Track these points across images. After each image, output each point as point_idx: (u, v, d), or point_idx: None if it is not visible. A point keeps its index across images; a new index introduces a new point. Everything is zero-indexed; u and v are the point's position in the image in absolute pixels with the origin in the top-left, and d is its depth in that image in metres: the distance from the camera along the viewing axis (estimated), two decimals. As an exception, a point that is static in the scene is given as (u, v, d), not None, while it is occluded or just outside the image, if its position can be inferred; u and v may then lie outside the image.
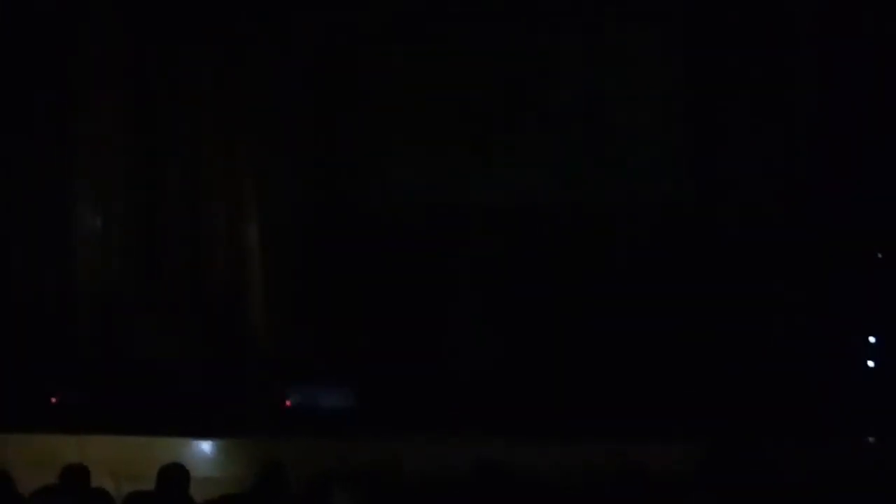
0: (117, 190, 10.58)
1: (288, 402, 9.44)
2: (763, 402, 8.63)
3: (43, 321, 10.28)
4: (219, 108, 10.56)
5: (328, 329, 10.25)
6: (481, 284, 10.20)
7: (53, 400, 9.49)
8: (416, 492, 5.17)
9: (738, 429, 7.61)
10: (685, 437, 7.60)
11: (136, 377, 9.72)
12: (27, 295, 10.40)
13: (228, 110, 10.55)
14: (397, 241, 10.36)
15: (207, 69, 10.53)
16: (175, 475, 5.76)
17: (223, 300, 10.47)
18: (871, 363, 9.44)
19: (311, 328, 10.31)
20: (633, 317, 9.74)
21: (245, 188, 10.56)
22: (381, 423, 8.88)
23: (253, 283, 10.47)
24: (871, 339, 9.49)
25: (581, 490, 5.12)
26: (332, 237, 10.49)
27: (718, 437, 6.68)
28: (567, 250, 10.08)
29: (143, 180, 10.60)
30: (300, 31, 10.47)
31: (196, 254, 10.53)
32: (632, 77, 10.10)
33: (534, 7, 10.19)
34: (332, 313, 10.33)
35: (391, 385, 9.39)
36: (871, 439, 8.31)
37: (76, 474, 5.84)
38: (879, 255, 9.63)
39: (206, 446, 8.46)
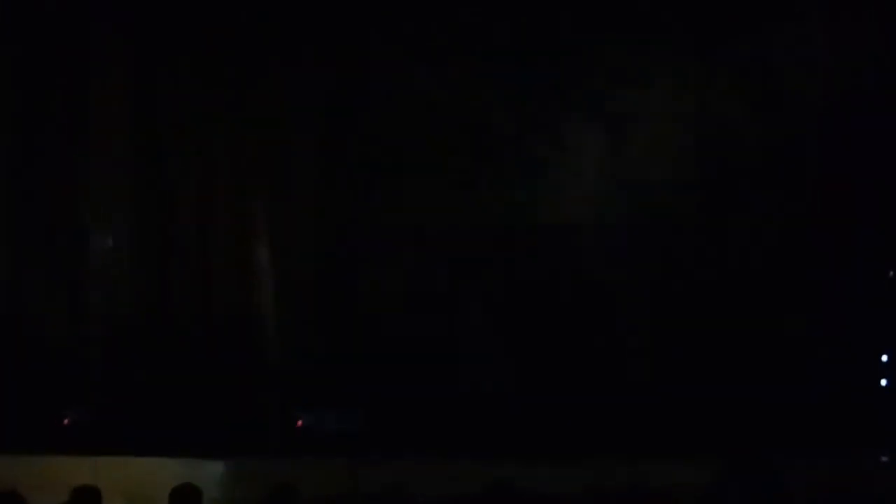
0: (129, 211, 10.61)
1: (299, 423, 9.44)
2: (775, 421, 8.61)
3: (55, 342, 10.31)
4: (229, 127, 10.59)
5: (339, 350, 10.25)
6: (491, 305, 10.18)
7: (66, 421, 9.51)
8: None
9: (752, 448, 7.59)
10: (698, 456, 7.57)
11: (148, 398, 9.73)
12: (39, 316, 10.42)
13: (238, 129, 10.57)
14: (408, 263, 10.36)
15: (218, 91, 10.58)
16: (187, 496, 5.76)
17: (234, 321, 10.47)
18: (885, 381, 9.39)
19: (322, 349, 10.31)
20: (643, 336, 9.72)
21: (255, 210, 10.58)
22: (391, 444, 8.88)
23: (264, 304, 10.47)
24: (884, 358, 9.45)
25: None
26: (342, 259, 10.50)
27: (731, 457, 6.66)
28: (576, 271, 10.07)
29: (154, 201, 10.63)
30: (310, 50, 10.50)
31: (207, 275, 10.55)
32: (641, 95, 10.10)
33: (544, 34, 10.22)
34: (342, 334, 10.33)
35: (401, 406, 9.39)
36: (884, 458, 8.28)
37: (87, 496, 5.84)
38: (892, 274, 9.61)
39: (217, 467, 8.47)
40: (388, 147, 10.49)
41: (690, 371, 9.47)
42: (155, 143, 10.61)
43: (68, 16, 10.43)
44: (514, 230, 10.27)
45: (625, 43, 10.13)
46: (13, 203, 10.44)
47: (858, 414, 8.78)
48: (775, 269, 9.73)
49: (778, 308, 9.68)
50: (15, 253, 10.48)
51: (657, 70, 10.04)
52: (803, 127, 9.73)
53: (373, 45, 10.47)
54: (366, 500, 5.05)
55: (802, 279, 9.66)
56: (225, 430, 9.29)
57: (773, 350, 9.55)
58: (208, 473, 8.35)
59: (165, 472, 7.87)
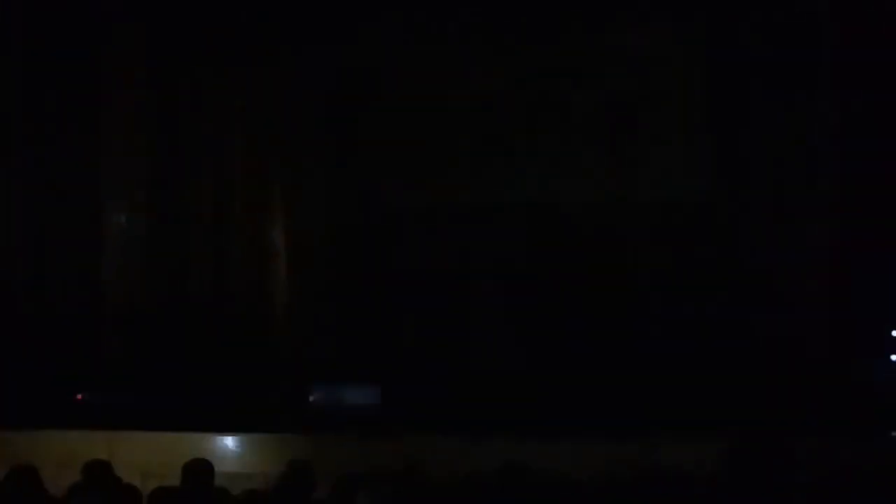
0: (142, 191, 10.63)
1: (312, 399, 9.48)
2: (786, 399, 8.61)
3: (69, 319, 10.36)
4: (244, 113, 10.59)
5: (353, 326, 10.28)
6: (505, 283, 10.19)
7: (79, 397, 9.55)
8: (439, 491, 5.18)
9: (763, 426, 7.58)
10: (710, 435, 7.57)
11: (162, 374, 9.77)
12: (54, 293, 10.47)
13: (253, 116, 10.58)
14: (422, 240, 10.37)
15: (232, 80, 10.58)
16: (200, 471, 5.79)
17: (248, 298, 10.52)
18: (894, 357, 9.39)
19: (336, 325, 10.34)
20: (658, 314, 9.72)
21: (269, 189, 10.59)
22: (404, 421, 8.90)
23: (278, 280, 10.50)
24: (895, 334, 9.45)
25: (605, 489, 5.11)
26: (356, 236, 10.51)
27: (744, 435, 6.66)
28: (592, 250, 10.06)
29: (168, 182, 10.65)
30: (323, 38, 10.47)
31: (222, 252, 10.58)
32: (654, 79, 10.06)
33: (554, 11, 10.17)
34: (357, 310, 10.35)
35: (415, 384, 9.41)
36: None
37: (100, 471, 5.87)
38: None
39: (231, 442, 8.50)
40: (401, 127, 10.49)
41: (703, 349, 9.48)
42: (170, 125, 10.62)
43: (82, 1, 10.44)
44: (528, 207, 10.27)
45: (634, 22, 10.10)
46: (30, 182, 10.47)
47: (870, 391, 8.78)
48: (782, 247, 9.72)
49: (788, 285, 9.68)
50: (31, 231, 10.52)
51: (666, 50, 10.02)
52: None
53: (384, 26, 10.46)
54: (379, 477, 5.06)
55: (811, 255, 9.66)
56: (238, 405, 9.33)
57: (784, 328, 9.56)
58: (221, 449, 8.39)
59: (179, 447, 7.90)
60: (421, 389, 9.33)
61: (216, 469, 5.92)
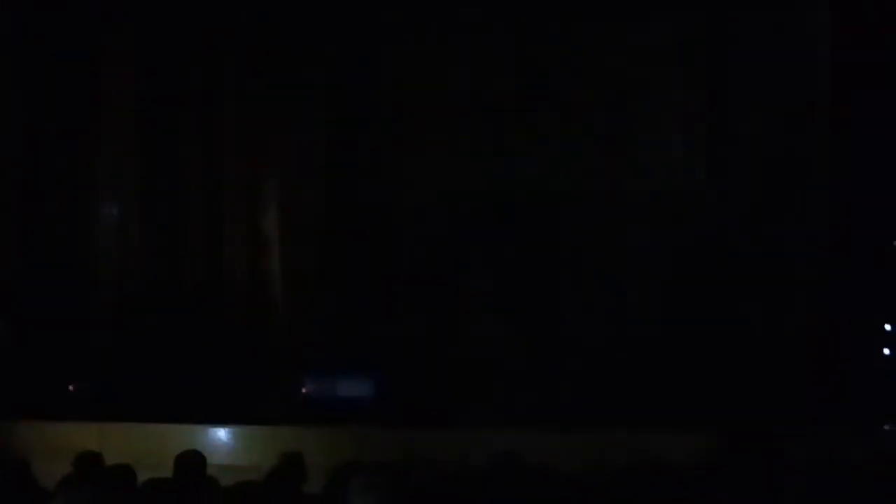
0: (134, 182, 10.62)
1: (304, 391, 9.48)
2: (776, 391, 8.63)
3: (61, 310, 10.34)
4: (237, 103, 10.58)
5: (346, 318, 10.29)
6: (499, 275, 10.19)
7: (71, 388, 9.55)
8: (432, 482, 5.18)
9: (752, 418, 7.62)
10: (700, 426, 7.60)
11: (154, 365, 9.77)
12: (45, 284, 10.45)
13: (247, 106, 10.56)
14: (414, 232, 10.37)
15: (227, 71, 10.56)
16: (192, 462, 5.79)
17: (241, 289, 10.51)
18: (886, 351, 9.42)
19: (329, 317, 10.34)
20: (649, 306, 9.74)
21: (262, 179, 10.58)
22: (397, 412, 8.91)
23: (271, 271, 10.50)
24: (887, 327, 9.47)
25: (597, 480, 5.12)
26: (350, 227, 10.51)
27: (733, 427, 6.69)
28: (585, 241, 10.07)
29: (160, 172, 10.64)
30: (318, 28, 10.46)
31: (214, 243, 10.57)
32: (649, 69, 10.06)
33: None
34: (349, 302, 10.36)
35: (408, 375, 9.42)
36: (886, 427, 8.30)
37: (90, 462, 5.87)
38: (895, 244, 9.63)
39: (223, 434, 8.50)
40: (397, 119, 10.48)
41: (695, 340, 9.50)
42: (162, 115, 10.60)
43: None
44: (522, 198, 10.27)
45: (631, 15, 10.11)
46: (22, 172, 10.46)
47: (860, 383, 8.80)
48: (775, 238, 9.74)
49: (780, 276, 9.69)
50: (22, 224, 10.50)
51: (664, 42, 10.02)
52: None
53: (382, 19, 10.45)
54: (372, 468, 5.06)
55: (804, 247, 9.68)
56: (231, 396, 9.33)
57: (776, 319, 9.58)
58: (213, 440, 8.39)
59: (170, 438, 7.91)
60: (414, 381, 9.34)
61: (208, 461, 5.92)
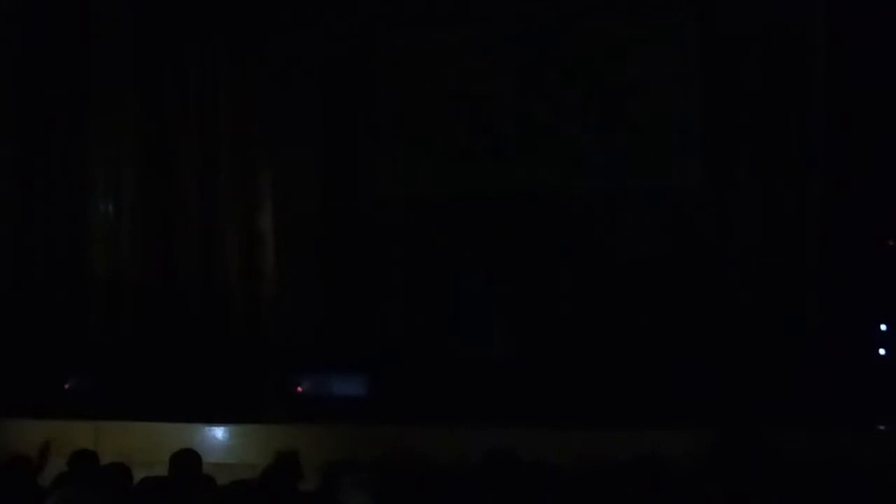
0: (130, 177, 10.61)
1: (299, 389, 9.47)
2: (773, 389, 8.64)
3: (56, 307, 10.33)
4: (232, 98, 10.57)
5: (341, 316, 10.29)
6: (494, 273, 10.19)
7: (66, 386, 9.54)
8: (427, 479, 5.19)
9: (748, 417, 7.62)
10: (697, 425, 7.61)
11: (149, 363, 9.76)
12: (42, 280, 10.44)
13: (242, 101, 10.56)
14: (410, 230, 10.37)
15: (221, 64, 10.56)
16: (187, 461, 5.79)
17: (236, 286, 10.50)
18: (882, 351, 9.42)
19: (324, 315, 10.34)
20: (645, 305, 9.74)
21: (259, 175, 10.57)
22: (391, 410, 8.91)
23: (267, 268, 10.49)
24: (883, 327, 9.48)
25: (592, 478, 5.13)
26: (347, 224, 10.51)
27: (728, 426, 6.69)
28: (581, 239, 10.07)
29: (156, 167, 10.63)
30: (313, 22, 10.45)
31: (209, 240, 10.56)
32: (644, 65, 10.05)
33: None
34: (345, 300, 10.35)
35: (403, 373, 9.42)
36: (881, 427, 8.30)
37: (86, 460, 5.87)
38: (891, 243, 9.63)
39: (218, 432, 8.49)
40: (391, 116, 10.48)
41: (689, 340, 9.50)
42: (156, 108, 10.60)
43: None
44: (518, 196, 10.27)
45: (627, 10, 10.11)
46: (16, 166, 10.44)
47: (854, 382, 8.81)
48: (772, 236, 9.75)
49: (775, 279, 9.70)
50: (18, 218, 10.48)
51: (657, 39, 10.02)
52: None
53: (374, 14, 10.44)
54: (367, 466, 5.06)
55: (801, 245, 9.69)
56: (226, 395, 9.33)
57: (774, 317, 9.59)
58: (208, 439, 8.38)
59: (166, 437, 7.90)
60: (408, 379, 9.34)
61: (203, 459, 5.93)
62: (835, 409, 8.19)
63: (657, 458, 5.53)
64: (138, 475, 5.61)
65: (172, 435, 7.97)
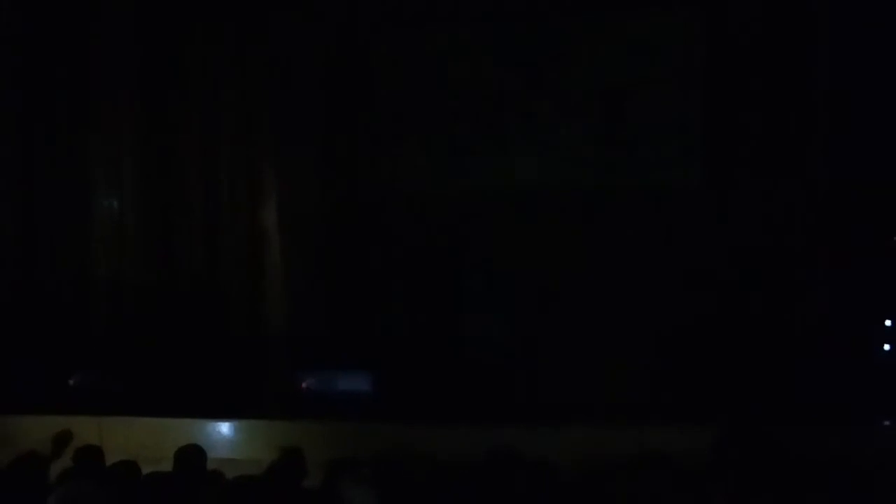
0: (133, 173, 10.62)
1: (304, 385, 9.49)
2: (774, 387, 8.65)
3: (60, 302, 10.35)
4: (235, 93, 10.58)
5: (344, 312, 10.30)
6: (497, 269, 10.20)
7: (71, 382, 9.56)
8: (430, 477, 5.21)
9: (751, 414, 7.63)
10: (699, 423, 7.62)
11: (152, 360, 9.78)
12: (45, 277, 10.46)
13: (245, 95, 10.56)
14: (415, 226, 10.38)
15: (223, 59, 10.56)
16: (192, 456, 5.81)
17: (240, 282, 10.52)
18: (885, 347, 9.43)
19: (328, 311, 10.35)
20: (648, 301, 9.74)
21: (262, 172, 10.59)
22: (394, 407, 8.92)
23: (270, 265, 10.51)
24: (888, 323, 9.48)
25: (595, 476, 5.15)
26: (349, 221, 10.52)
27: (730, 423, 6.70)
28: (579, 237, 10.07)
29: (159, 164, 10.64)
30: (315, 18, 10.46)
31: (213, 236, 10.58)
32: (647, 61, 10.05)
33: None
34: (348, 296, 10.37)
35: (406, 369, 9.44)
36: (885, 423, 8.32)
37: (91, 455, 5.89)
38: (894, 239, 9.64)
39: (223, 428, 8.52)
40: (394, 110, 10.49)
41: (691, 336, 9.51)
42: (158, 105, 10.60)
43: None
44: (520, 192, 10.28)
45: (630, 6, 10.11)
46: (20, 165, 10.46)
47: (857, 378, 8.82)
48: (773, 234, 9.75)
49: (778, 274, 9.70)
50: (19, 214, 10.50)
51: (660, 37, 10.03)
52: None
53: (377, 7, 10.45)
54: (371, 463, 5.08)
55: (803, 243, 9.70)
56: (230, 391, 9.35)
57: (775, 315, 9.59)
58: (213, 435, 8.40)
59: (170, 432, 7.92)
60: (411, 376, 9.36)
61: (208, 455, 5.95)
62: (836, 406, 8.20)
63: (658, 457, 5.54)
64: (143, 471, 5.63)
65: (177, 430, 7.99)
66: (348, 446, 6.98)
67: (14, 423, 8.63)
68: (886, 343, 9.41)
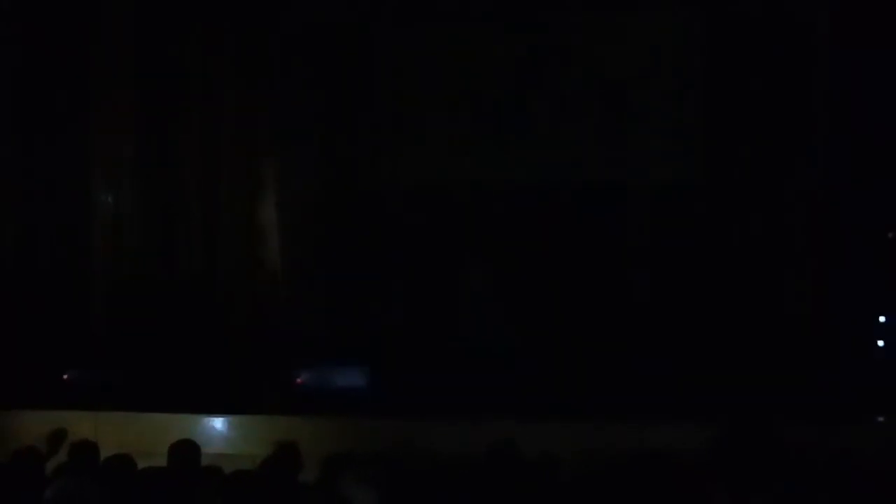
0: (131, 170, 10.59)
1: (299, 380, 9.47)
2: (776, 383, 8.64)
3: (57, 298, 10.31)
4: (232, 90, 10.54)
5: (341, 307, 10.27)
6: (495, 264, 10.18)
7: (66, 377, 9.53)
8: (428, 472, 5.17)
9: (753, 409, 7.60)
10: (700, 417, 7.60)
11: (149, 354, 9.75)
12: (44, 274, 10.43)
13: (242, 92, 10.53)
14: (411, 220, 10.35)
15: (221, 56, 10.53)
16: (186, 452, 5.77)
17: (236, 278, 10.49)
18: (882, 343, 9.43)
19: (325, 306, 10.33)
20: (650, 296, 9.73)
21: (259, 168, 10.56)
22: (392, 403, 8.90)
23: (266, 260, 10.48)
24: (882, 319, 9.48)
25: (595, 471, 5.11)
26: (346, 216, 10.49)
27: (732, 419, 6.67)
28: (582, 231, 10.05)
29: (157, 160, 10.61)
30: (315, 18, 10.43)
31: (210, 233, 10.54)
32: (645, 60, 10.03)
33: None
34: (345, 292, 10.34)
35: (403, 364, 9.41)
36: (881, 419, 8.31)
37: (86, 451, 5.85)
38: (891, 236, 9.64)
39: (217, 423, 8.49)
40: (392, 106, 10.46)
41: (694, 332, 9.50)
42: (157, 103, 10.57)
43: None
44: (518, 187, 10.26)
45: (629, 3, 10.09)
46: (19, 164, 10.42)
47: (855, 376, 8.81)
48: (771, 230, 9.74)
49: (776, 268, 9.69)
50: (18, 211, 10.46)
51: (661, 33, 10.01)
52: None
53: (378, 7, 10.42)
54: (366, 458, 5.04)
55: (800, 239, 9.68)
56: (226, 386, 9.33)
57: (772, 311, 9.58)
58: (208, 430, 8.38)
59: (165, 428, 7.89)
60: (409, 370, 9.33)
61: (203, 450, 5.90)
62: (837, 402, 8.19)
63: (660, 453, 5.50)
64: (137, 466, 5.59)
65: (172, 426, 7.97)
66: (344, 442, 6.95)
67: (9, 418, 8.60)
68: (885, 339, 9.42)
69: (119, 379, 9.35)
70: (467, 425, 7.76)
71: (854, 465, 5.34)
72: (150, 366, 9.57)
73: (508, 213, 10.21)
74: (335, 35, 10.46)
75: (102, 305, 10.45)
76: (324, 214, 10.53)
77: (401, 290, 10.31)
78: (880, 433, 8.12)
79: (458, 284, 10.27)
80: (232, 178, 10.56)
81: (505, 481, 5.12)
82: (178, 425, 8.02)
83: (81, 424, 7.84)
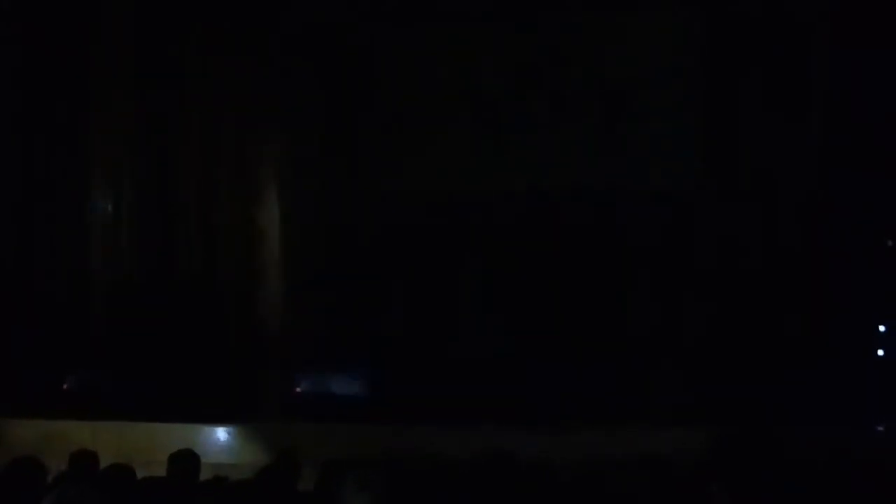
0: (130, 175, 10.58)
1: (298, 388, 9.46)
2: (771, 390, 8.64)
3: (55, 307, 10.30)
4: (233, 96, 10.54)
5: (340, 314, 10.26)
6: (494, 271, 10.17)
7: (65, 386, 9.51)
8: (425, 479, 5.17)
9: (750, 416, 7.61)
10: (698, 424, 7.61)
11: (148, 363, 9.73)
12: (40, 280, 10.41)
13: (243, 99, 10.53)
14: (409, 228, 10.34)
15: (222, 61, 10.53)
16: (186, 461, 5.76)
17: (235, 286, 10.48)
18: (882, 352, 9.42)
19: (324, 313, 10.31)
20: (646, 304, 9.72)
21: (259, 174, 10.55)
22: (390, 409, 8.89)
23: (265, 268, 10.47)
24: (882, 328, 9.47)
25: (592, 477, 5.11)
26: (347, 222, 10.48)
27: (731, 425, 6.69)
28: (581, 238, 10.04)
29: (156, 165, 10.60)
30: (314, 22, 10.43)
31: (209, 238, 10.53)
32: (645, 62, 10.03)
33: None
34: (343, 299, 10.33)
35: (402, 372, 9.40)
36: (880, 428, 8.31)
37: (85, 460, 5.84)
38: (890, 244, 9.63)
39: (216, 432, 8.48)
40: (392, 113, 10.46)
41: (690, 338, 9.49)
42: (157, 106, 10.56)
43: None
44: (518, 194, 10.25)
45: (629, 8, 10.09)
46: (20, 165, 10.42)
47: (855, 382, 8.80)
48: (770, 237, 9.74)
49: (777, 277, 9.69)
50: (16, 215, 10.46)
51: (661, 36, 10.01)
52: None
53: (377, 8, 10.42)
54: (365, 465, 5.04)
55: (799, 247, 9.68)
56: (227, 392, 9.32)
57: (771, 318, 9.58)
58: (207, 439, 8.37)
59: (165, 437, 7.89)
60: (408, 378, 9.32)
61: (202, 459, 5.90)
62: (835, 408, 8.18)
63: (659, 457, 5.51)
64: (137, 475, 5.59)
65: (171, 435, 7.96)
66: (343, 449, 6.94)
67: (7, 426, 8.59)
68: (884, 347, 9.40)
69: (118, 387, 9.33)
70: (467, 431, 7.75)
71: (854, 466, 5.35)
72: (150, 373, 9.55)
73: (508, 219, 10.20)
74: (335, 35, 10.45)
75: (102, 310, 10.42)
76: (323, 220, 10.52)
77: (400, 297, 10.29)
78: (879, 440, 8.13)
79: (457, 290, 10.24)
80: (232, 182, 10.55)
81: (504, 487, 5.12)
82: (177, 434, 8.01)
83: (80, 433, 7.85)
